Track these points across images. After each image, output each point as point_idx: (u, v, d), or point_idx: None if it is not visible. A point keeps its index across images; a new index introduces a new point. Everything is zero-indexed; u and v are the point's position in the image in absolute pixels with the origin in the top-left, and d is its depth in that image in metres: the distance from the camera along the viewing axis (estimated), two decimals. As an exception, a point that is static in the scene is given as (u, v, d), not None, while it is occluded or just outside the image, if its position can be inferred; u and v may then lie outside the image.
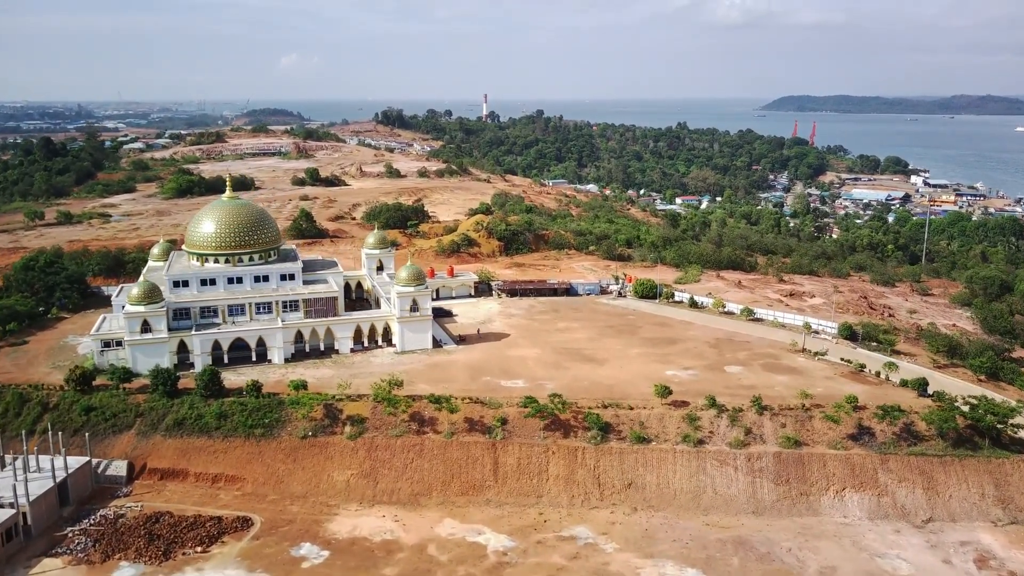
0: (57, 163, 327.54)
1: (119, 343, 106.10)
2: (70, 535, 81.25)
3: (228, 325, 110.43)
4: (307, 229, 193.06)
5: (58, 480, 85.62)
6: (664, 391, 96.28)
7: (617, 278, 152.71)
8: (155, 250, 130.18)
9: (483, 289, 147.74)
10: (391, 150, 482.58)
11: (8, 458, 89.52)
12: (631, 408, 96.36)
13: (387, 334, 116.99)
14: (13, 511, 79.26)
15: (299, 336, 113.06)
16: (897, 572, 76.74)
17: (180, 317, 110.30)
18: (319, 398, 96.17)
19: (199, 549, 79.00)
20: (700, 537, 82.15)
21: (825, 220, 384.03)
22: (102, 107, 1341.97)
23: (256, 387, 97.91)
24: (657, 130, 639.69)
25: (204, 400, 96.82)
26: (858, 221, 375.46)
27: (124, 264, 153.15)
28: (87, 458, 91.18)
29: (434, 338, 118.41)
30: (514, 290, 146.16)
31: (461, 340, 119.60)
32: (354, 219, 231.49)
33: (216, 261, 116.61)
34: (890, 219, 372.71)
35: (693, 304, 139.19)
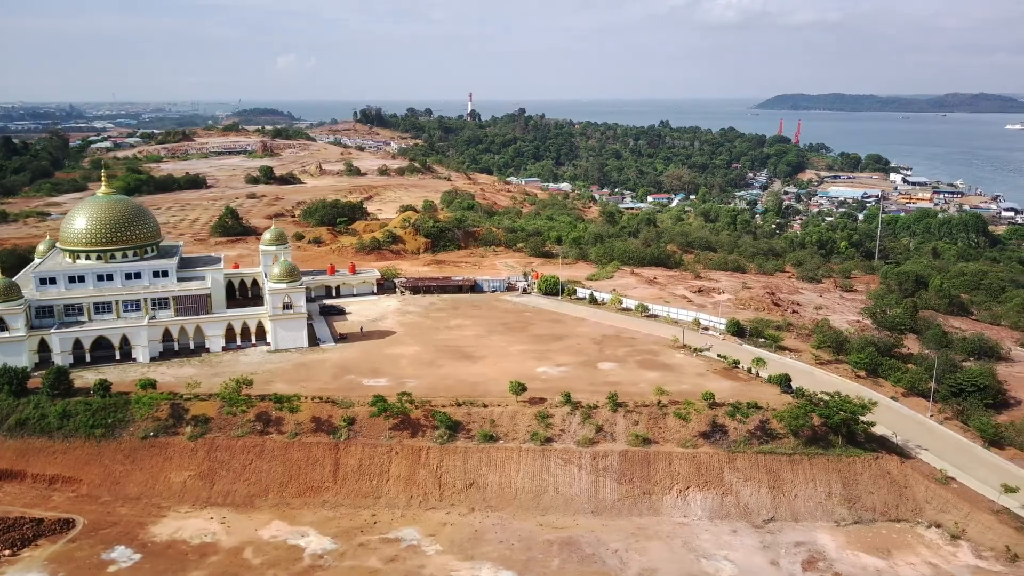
0: (14, 162, 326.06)
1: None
2: None
3: (91, 323, 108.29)
4: (232, 226, 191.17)
5: None
6: (519, 388, 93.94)
7: (526, 274, 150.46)
8: (40, 247, 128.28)
9: (388, 287, 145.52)
10: (362, 148, 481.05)
11: None
12: (485, 406, 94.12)
13: (263, 332, 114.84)
14: None
15: (168, 334, 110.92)
16: (719, 574, 74.37)
17: (44, 315, 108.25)
18: (162, 397, 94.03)
19: (7, 552, 76.89)
20: (529, 538, 79.86)
21: (794, 218, 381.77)
22: (96, 108, 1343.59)
23: (103, 386, 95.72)
24: (638, 128, 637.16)
25: (50, 400, 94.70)
26: (829, 218, 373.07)
27: (27, 262, 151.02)
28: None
29: (314, 336, 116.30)
30: (417, 287, 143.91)
31: (342, 338, 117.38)
32: (293, 217, 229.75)
33: (87, 258, 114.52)
34: (860, 216, 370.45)
35: (593, 300, 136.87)
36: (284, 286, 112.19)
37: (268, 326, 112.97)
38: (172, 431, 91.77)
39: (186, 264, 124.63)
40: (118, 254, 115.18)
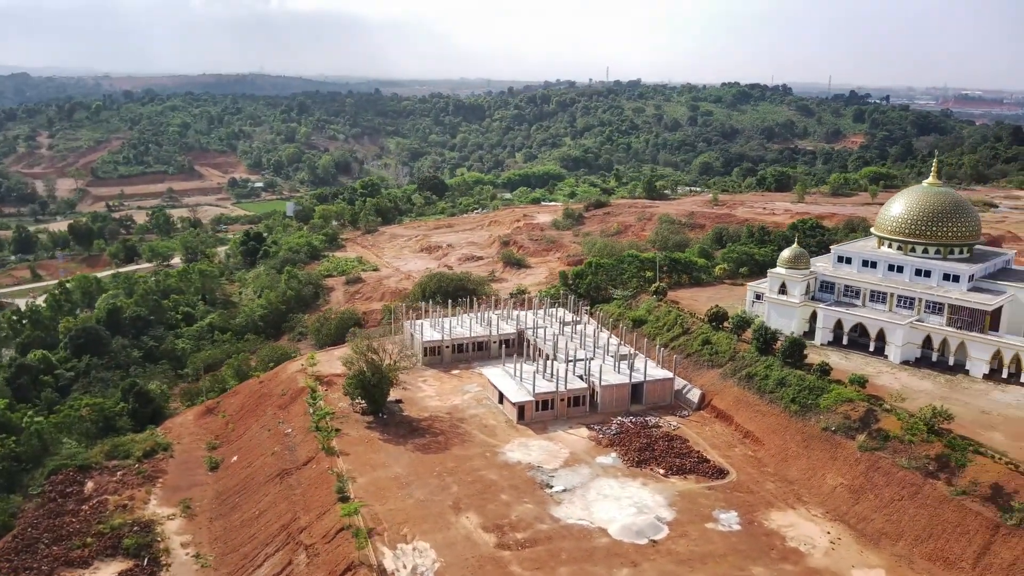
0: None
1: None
2: (620, 421, 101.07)
3: (859, 308, 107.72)
4: None
5: (635, 381, 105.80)
6: None
7: None
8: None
9: None
10: None
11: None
12: None
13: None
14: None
15: (929, 342, 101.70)
16: None
17: (828, 290, 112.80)
18: (859, 397, 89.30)
19: (661, 471, 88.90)
20: None
21: None
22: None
23: (824, 369, 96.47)
24: None
25: (781, 365, 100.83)
26: None
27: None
28: (671, 376, 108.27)
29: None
30: None
31: None
32: None
33: (890, 246, 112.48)
34: None
35: None
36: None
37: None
38: (852, 434, 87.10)
39: (1006, 275, 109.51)
40: (919, 248, 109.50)
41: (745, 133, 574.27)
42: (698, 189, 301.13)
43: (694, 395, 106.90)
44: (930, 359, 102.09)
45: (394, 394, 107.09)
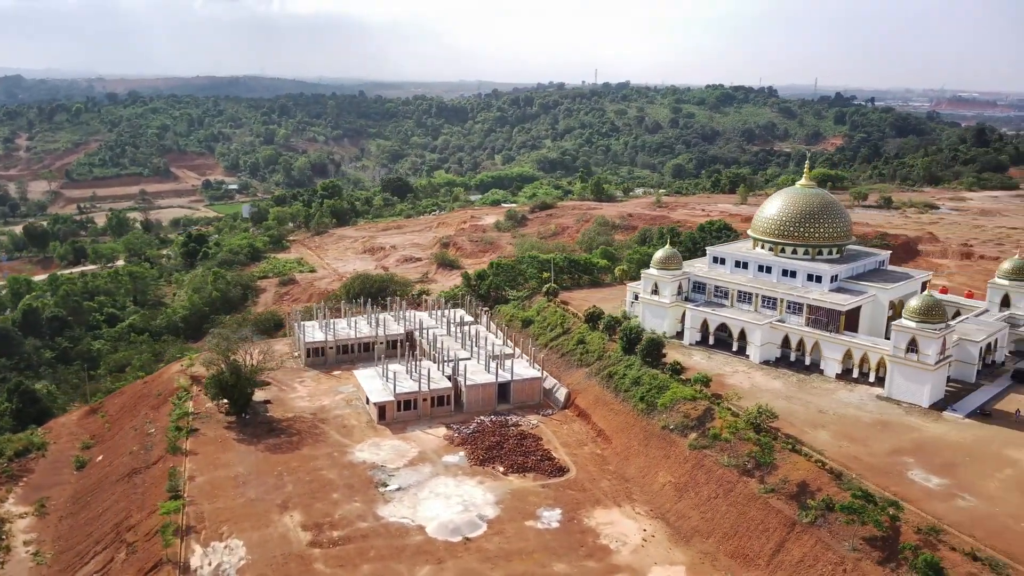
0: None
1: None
2: (480, 420, 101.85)
3: (725, 309, 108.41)
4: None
5: (501, 380, 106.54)
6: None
7: None
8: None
9: None
10: None
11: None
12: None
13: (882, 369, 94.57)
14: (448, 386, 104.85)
15: (787, 342, 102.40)
16: None
17: (698, 291, 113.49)
18: (703, 396, 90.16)
19: (502, 469, 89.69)
20: None
21: None
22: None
23: (675, 369, 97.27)
24: None
25: (641, 364, 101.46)
26: None
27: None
28: (540, 375, 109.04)
29: (947, 397, 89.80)
30: None
31: (984, 413, 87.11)
32: None
33: (763, 247, 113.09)
34: None
35: None
36: (914, 325, 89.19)
37: (888, 367, 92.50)
38: (686, 432, 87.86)
39: (876, 276, 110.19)
40: (788, 248, 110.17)
41: (725, 135, 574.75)
42: (652, 191, 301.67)
43: (561, 394, 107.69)
44: (789, 359, 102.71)
45: (266, 394, 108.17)
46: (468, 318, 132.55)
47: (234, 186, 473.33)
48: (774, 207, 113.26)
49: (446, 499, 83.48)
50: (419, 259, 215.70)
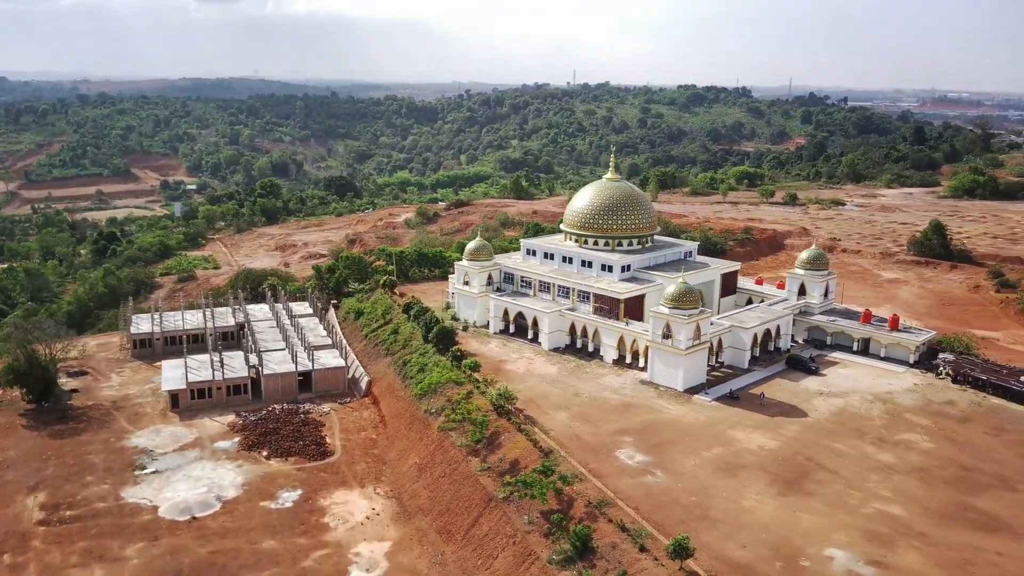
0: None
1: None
2: (272, 408, 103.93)
3: (524, 299, 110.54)
4: (933, 246, 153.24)
5: (303, 369, 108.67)
6: None
7: None
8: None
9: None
10: None
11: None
12: None
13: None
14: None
15: (574, 329, 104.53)
16: None
17: (509, 281, 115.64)
18: (470, 381, 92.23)
19: (264, 453, 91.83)
20: None
21: None
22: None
23: (456, 356, 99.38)
24: None
25: (435, 351, 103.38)
26: None
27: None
28: (344, 365, 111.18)
29: (702, 383, 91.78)
30: (978, 379, 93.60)
31: (733, 397, 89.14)
32: None
33: (571, 239, 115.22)
34: None
35: None
36: (667, 311, 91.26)
37: (649, 352, 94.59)
38: (440, 415, 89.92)
39: (678, 266, 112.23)
40: (591, 240, 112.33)
41: (691, 135, 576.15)
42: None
43: (364, 382, 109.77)
44: (576, 346, 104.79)
45: (77, 383, 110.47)
46: (307, 310, 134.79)
47: (192, 186, 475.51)
48: (582, 200, 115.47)
49: (195, 481, 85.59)
50: (324, 256, 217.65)
